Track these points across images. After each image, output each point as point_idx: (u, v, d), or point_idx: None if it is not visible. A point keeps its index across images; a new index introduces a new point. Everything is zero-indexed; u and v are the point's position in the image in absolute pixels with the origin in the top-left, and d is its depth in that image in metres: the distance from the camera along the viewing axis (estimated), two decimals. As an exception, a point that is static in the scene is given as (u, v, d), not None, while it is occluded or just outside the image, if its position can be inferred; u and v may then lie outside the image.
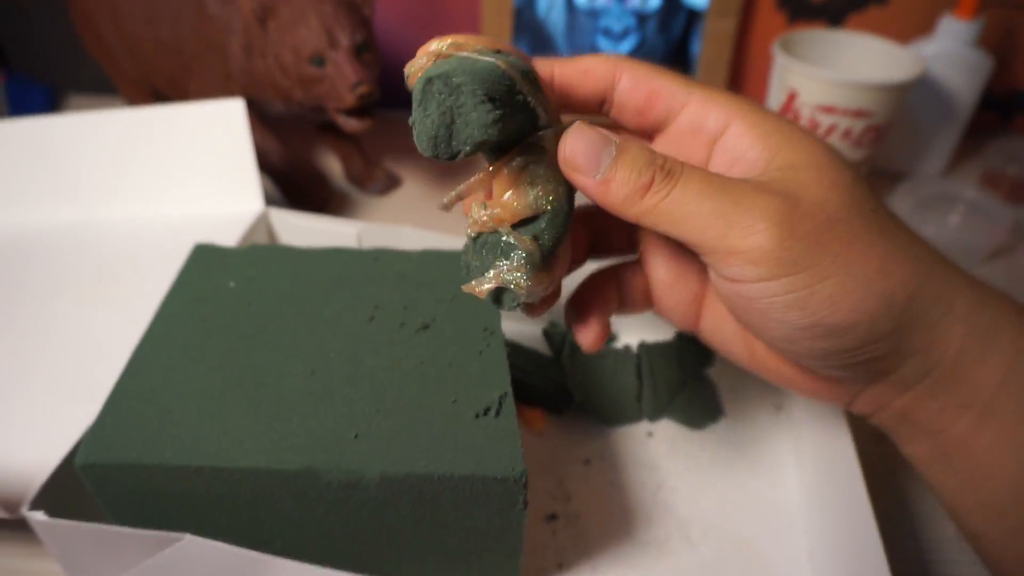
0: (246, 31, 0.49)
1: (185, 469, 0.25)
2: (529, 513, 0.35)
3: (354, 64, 0.46)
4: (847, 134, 0.53)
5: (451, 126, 0.22)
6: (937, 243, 0.37)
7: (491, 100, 0.21)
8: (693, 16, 0.66)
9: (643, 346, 0.40)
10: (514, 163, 0.23)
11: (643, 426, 0.40)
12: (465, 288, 0.24)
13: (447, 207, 0.24)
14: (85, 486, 0.26)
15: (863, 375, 0.25)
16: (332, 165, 0.64)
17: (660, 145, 0.27)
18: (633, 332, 0.45)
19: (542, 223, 0.24)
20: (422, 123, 0.22)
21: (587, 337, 0.29)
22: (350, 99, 0.46)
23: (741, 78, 0.72)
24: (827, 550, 0.33)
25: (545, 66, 0.26)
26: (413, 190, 0.62)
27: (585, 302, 0.29)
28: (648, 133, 0.28)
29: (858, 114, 0.52)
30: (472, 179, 0.24)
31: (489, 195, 0.24)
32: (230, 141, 0.45)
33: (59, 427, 0.30)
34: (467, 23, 0.68)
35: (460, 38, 0.23)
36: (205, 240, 0.36)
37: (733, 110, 0.24)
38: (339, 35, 0.46)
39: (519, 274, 0.23)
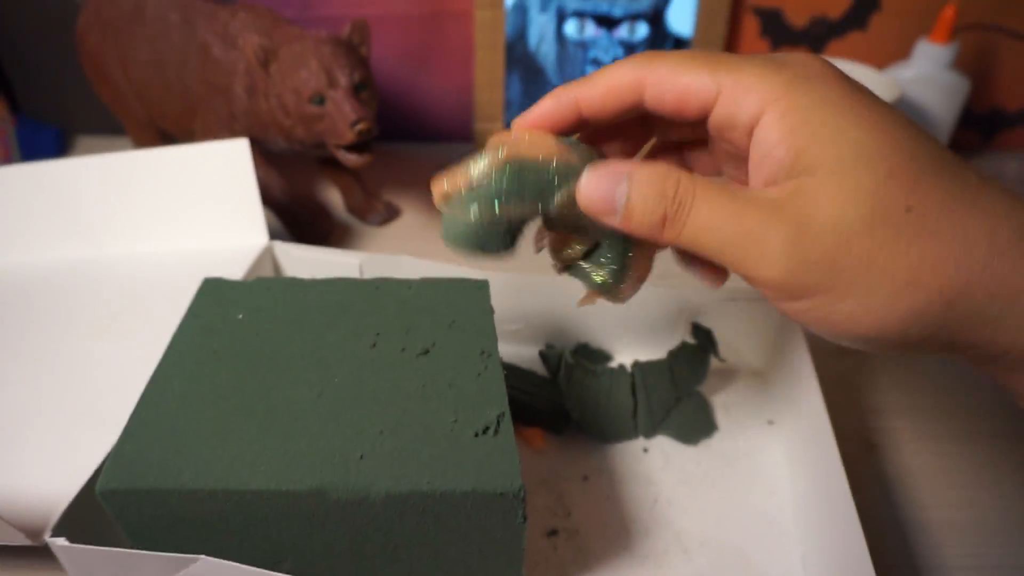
0: (249, 74, 0.51)
1: (200, 492, 0.27)
2: (530, 529, 0.36)
3: (352, 102, 0.48)
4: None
5: (478, 243, 0.27)
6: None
7: (481, 246, 0.27)
8: (679, 45, 0.68)
9: (637, 365, 0.42)
10: (549, 224, 0.27)
11: (639, 442, 0.42)
12: (579, 304, 0.30)
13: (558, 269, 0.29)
14: (105, 512, 0.27)
15: (928, 356, 0.24)
16: (334, 198, 0.66)
17: (712, 144, 0.28)
18: (627, 352, 0.46)
19: (603, 248, 0.27)
20: (463, 251, 0.27)
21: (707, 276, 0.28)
22: (350, 136, 0.48)
23: (728, 103, 0.74)
24: (819, 559, 0.34)
25: (568, 95, 0.26)
26: (412, 220, 0.64)
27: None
28: (697, 130, 0.26)
29: (839, 136, 0.54)
30: (547, 237, 0.29)
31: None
32: (235, 179, 0.47)
33: (78, 457, 0.32)
34: (460, 58, 0.71)
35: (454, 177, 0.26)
36: (213, 274, 0.37)
37: (764, 96, 0.22)
38: (338, 75, 0.48)
39: (604, 290, 0.28)
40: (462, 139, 0.75)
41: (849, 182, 0.21)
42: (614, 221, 0.24)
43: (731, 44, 0.70)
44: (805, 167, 0.22)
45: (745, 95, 0.23)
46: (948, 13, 0.59)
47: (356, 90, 0.49)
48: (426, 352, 0.32)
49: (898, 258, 0.21)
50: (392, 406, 0.30)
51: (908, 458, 0.41)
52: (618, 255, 0.27)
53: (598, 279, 0.28)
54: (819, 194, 0.21)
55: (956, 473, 0.40)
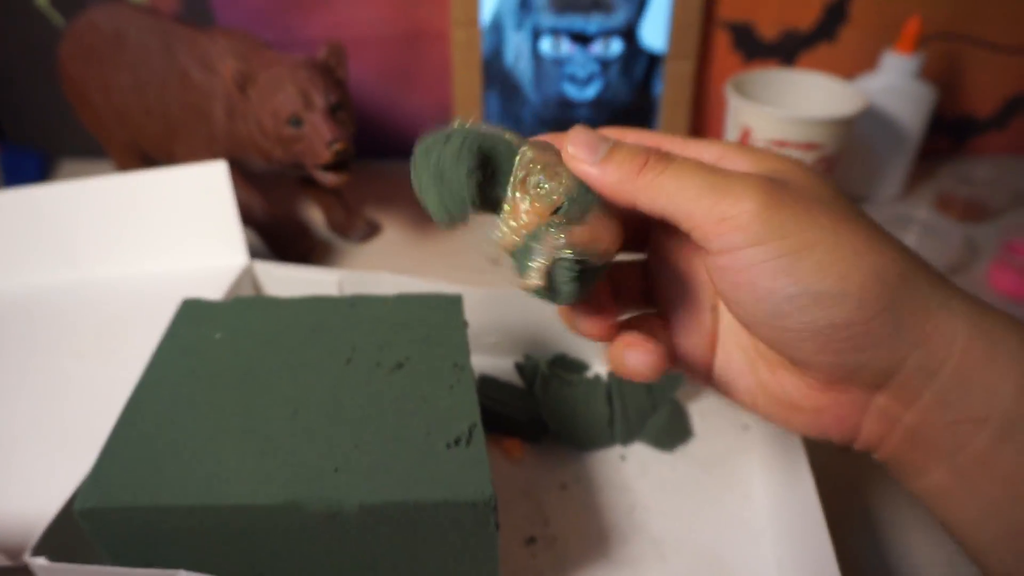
0: (228, 97, 0.52)
1: (178, 509, 0.27)
2: (508, 537, 0.37)
3: (329, 123, 0.49)
4: (801, 165, 0.57)
5: (442, 177, 0.25)
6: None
7: (450, 137, 0.25)
8: (654, 60, 0.70)
9: (613, 374, 0.43)
10: (515, 180, 0.25)
11: (616, 450, 0.42)
12: (520, 288, 0.25)
13: (497, 261, 0.27)
14: (84, 531, 0.28)
15: (863, 373, 0.24)
16: (315, 216, 0.67)
17: None
18: (603, 361, 0.47)
19: (564, 208, 0.25)
20: (428, 198, 0.25)
21: (593, 326, 0.28)
22: (327, 156, 0.49)
23: (703, 116, 0.75)
24: (793, 563, 0.35)
25: (556, 139, 0.27)
26: (394, 236, 0.65)
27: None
28: None
29: (808, 147, 0.55)
30: (503, 213, 0.26)
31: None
32: (214, 200, 0.48)
33: (58, 477, 0.32)
34: (439, 77, 0.72)
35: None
36: (193, 294, 0.38)
37: (726, 147, 0.26)
38: (314, 97, 0.49)
39: (557, 240, 0.24)
40: (443, 156, 0.75)
41: (813, 180, 0.25)
42: (588, 167, 0.25)
43: (704, 58, 0.72)
44: (768, 169, 0.25)
45: (708, 147, 0.27)
46: (913, 24, 0.60)
47: (332, 111, 0.50)
48: (400, 367, 0.33)
49: (858, 228, 0.23)
50: (366, 420, 0.31)
51: (880, 460, 0.42)
52: (581, 212, 0.25)
53: (552, 230, 0.24)
54: (789, 177, 0.24)
55: (926, 473, 0.41)
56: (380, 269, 0.47)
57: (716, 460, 0.42)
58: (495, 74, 0.70)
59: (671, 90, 0.70)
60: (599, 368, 0.47)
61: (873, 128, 0.63)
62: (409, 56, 0.71)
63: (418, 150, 0.26)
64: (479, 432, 0.30)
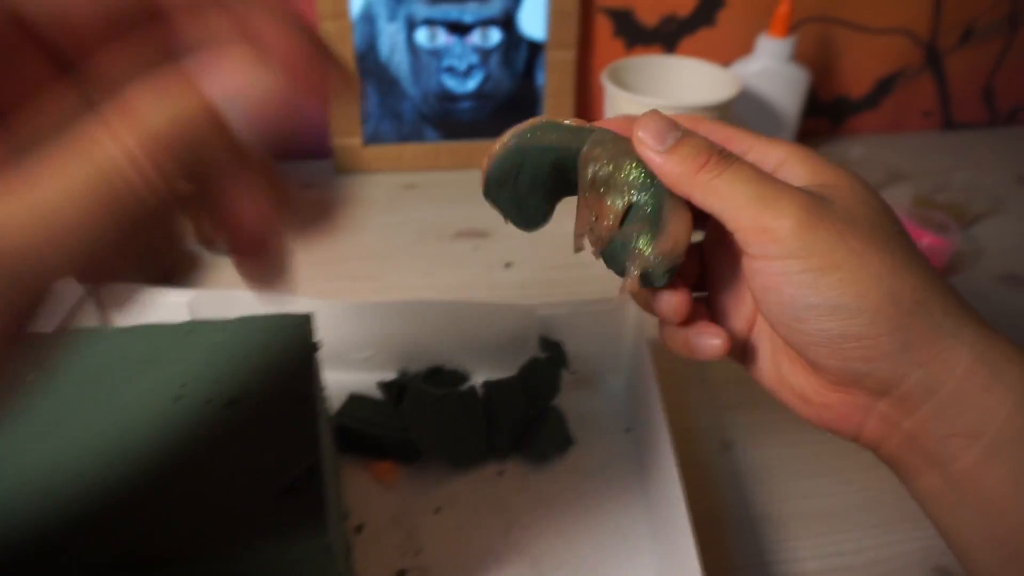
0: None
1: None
2: (377, 571, 0.35)
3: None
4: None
5: (520, 206, 0.29)
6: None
7: (500, 182, 0.28)
8: (534, 49, 0.68)
9: (487, 384, 0.41)
10: (584, 182, 0.28)
11: (494, 466, 0.40)
12: (618, 298, 0.29)
13: (578, 248, 0.29)
14: None
15: (868, 380, 0.26)
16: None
17: None
18: (483, 371, 0.45)
19: (639, 205, 0.27)
20: (510, 219, 0.29)
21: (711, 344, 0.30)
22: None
23: (587, 105, 0.74)
24: (670, 569, 0.34)
25: (630, 123, 0.29)
26: (268, 245, 0.61)
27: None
28: None
29: (686, 134, 0.54)
30: (577, 216, 0.29)
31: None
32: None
33: None
34: (312, 72, 0.68)
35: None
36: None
37: (791, 151, 0.28)
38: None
39: (644, 254, 0.27)
40: (320, 156, 0.72)
41: (859, 197, 0.26)
42: (655, 154, 0.26)
43: (585, 46, 0.70)
44: (822, 182, 0.27)
45: (775, 148, 0.28)
46: (783, 8, 0.60)
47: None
48: (235, 402, 0.30)
49: (887, 254, 0.25)
50: (194, 466, 0.28)
51: (761, 452, 0.41)
52: (654, 208, 0.27)
53: (638, 243, 0.27)
54: (836, 195, 0.26)
55: (803, 463, 0.41)
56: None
57: (596, 468, 0.40)
58: (370, 68, 0.67)
59: (553, 79, 0.69)
60: (479, 378, 0.45)
61: (750, 112, 0.63)
62: (277, 51, 0.67)
63: (489, 180, 0.28)
64: (318, 472, 0.27)
